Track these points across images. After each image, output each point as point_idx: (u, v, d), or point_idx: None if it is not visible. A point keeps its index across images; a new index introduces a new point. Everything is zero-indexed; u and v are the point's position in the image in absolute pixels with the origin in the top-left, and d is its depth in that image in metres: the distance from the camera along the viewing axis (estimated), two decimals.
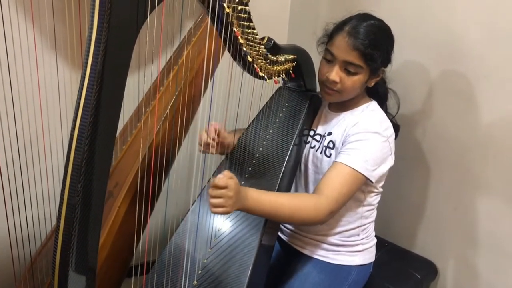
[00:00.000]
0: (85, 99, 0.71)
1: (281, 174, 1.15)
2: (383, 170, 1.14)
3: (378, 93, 1.27)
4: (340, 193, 1.06)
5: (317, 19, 1.78)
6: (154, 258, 1.05)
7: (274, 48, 1.11)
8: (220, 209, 0.91)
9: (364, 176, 1.09)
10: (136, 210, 1.06)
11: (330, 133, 1.22)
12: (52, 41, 1.27)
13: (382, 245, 1.43)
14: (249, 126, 1.29)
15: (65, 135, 1.10)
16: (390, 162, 1.16)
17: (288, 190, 1.22)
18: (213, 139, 1.19)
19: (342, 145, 1.16)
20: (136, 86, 1.25)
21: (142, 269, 0.99)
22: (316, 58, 1.29)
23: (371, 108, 1.22)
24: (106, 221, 1.06)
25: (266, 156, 1.21)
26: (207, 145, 1.19)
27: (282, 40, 1.30)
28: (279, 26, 1.95)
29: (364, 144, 1.11)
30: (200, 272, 1.00)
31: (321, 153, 1.22)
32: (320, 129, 1.28)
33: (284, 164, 1.17)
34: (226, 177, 0.91)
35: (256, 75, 1.09)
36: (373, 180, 1.11)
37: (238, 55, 1.01)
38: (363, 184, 1.12)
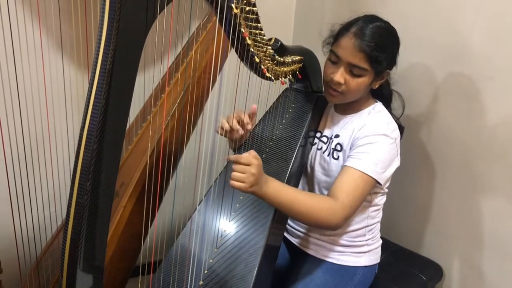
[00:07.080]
0: (94, 98, 0.71)
1: (287, 176, 1.14)
2: (391, 172, 1.15)
3: (383, 95, 1.27)
4: (354, 198, 1.06)
5: (322, 20, 1.78)
6: (161, 257, 1.05)
7: (281, 49, 1.11)
8: (239, 184, 0.93)
9: (375, 179, 1.09)
10: (143, 209, 1.06)
11: (337, 136, 1.22)
12: (58, 40, 1.28)
13: (387, 246, 1.42)
14: (255, 126, 1.29)
15: (71, 134, 1.11)
16: (397, 163, 1.17)
17: None
18: (245, 125, 1.16)
19: (351, 148, 1.15)
20: (142, 86, 1.26)
21: (149, 268, 0.99)
22: (322, 59, 1.29)
23: (377, 109, 1.21)
24: (111, 221, 1.06)
25: (272, 157, 1.20)
26: (232, 130, 1.16)
27: (287, 40, 1.30)
28: (284, 26, 1.96)
29: (373, 147, 1.11)
30: (206, 272, 1.00)
31: (328, 155, 1.22)
32: (327, 131, 1.28)
33: (290, 166, 1.16)
34: (251, 156, 0.94)
35: (263, 76, 1.09)
36: (382, 183, 1.12)
37: (246, 56, 1.01)
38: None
